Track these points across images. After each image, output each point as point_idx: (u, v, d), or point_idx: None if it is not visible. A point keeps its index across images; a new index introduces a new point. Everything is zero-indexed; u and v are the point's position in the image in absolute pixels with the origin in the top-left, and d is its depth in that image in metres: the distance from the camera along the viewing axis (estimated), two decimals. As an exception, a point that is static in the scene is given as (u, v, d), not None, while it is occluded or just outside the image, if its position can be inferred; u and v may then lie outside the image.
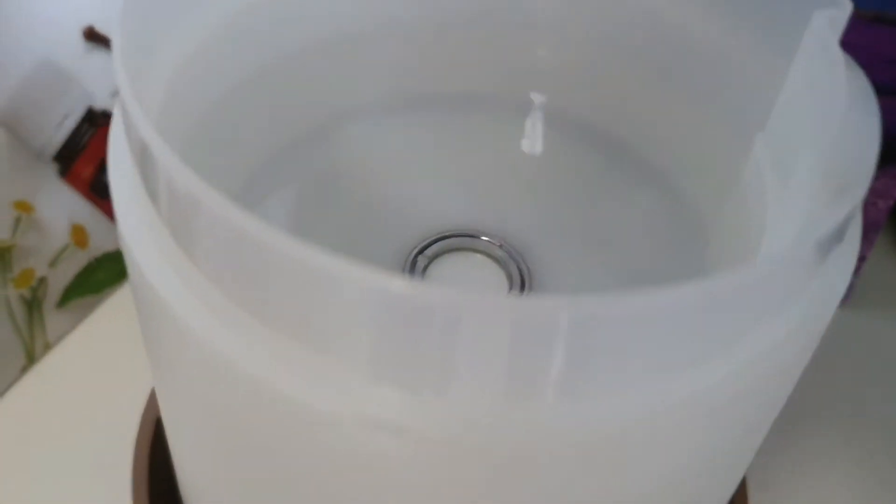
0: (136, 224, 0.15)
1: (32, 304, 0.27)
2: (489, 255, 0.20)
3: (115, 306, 0.30)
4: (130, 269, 0.15)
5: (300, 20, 0.20)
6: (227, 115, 0.19)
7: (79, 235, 0.28)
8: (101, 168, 0.28)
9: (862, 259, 0.30)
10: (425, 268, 0.19)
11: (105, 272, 0.29)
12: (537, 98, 0.21)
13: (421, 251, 0.20)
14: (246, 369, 0.13)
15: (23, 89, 0.25)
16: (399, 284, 0.11)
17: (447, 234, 0.20)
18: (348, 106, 0.21)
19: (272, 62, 0.20)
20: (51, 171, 0.27)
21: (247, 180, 0.20)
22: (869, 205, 0.29)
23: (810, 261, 0.14)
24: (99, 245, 0.29)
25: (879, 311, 0.32)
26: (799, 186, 0.16)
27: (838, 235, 0.14)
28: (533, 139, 0.21)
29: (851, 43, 0.27)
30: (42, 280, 0.27)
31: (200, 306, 0.14)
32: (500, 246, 0.20)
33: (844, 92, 0.15)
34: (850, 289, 0.31)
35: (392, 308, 0.12)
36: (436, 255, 0.20)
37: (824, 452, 0.28)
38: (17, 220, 0.26)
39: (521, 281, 0.19)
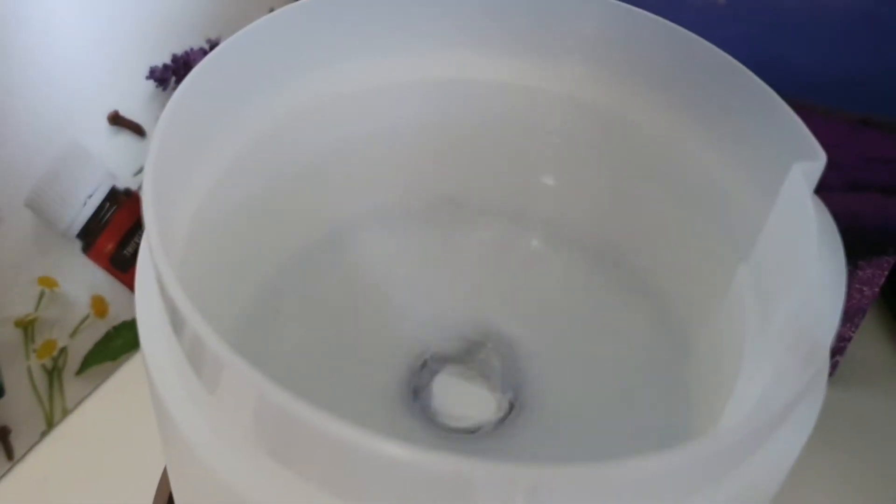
0: (162, 357, 0.16)
1: (53, 373, 0.29)
2: (487, 366, 0.21)
3: (132, 372, 0.31)
4: (155, 404, 0.17)
5: (315, 138, 0.21)
6: (232, 236, 0.20)
7: (99, 306, 0.29)
8: (122, 243, 0.29)
9: (847, 340, 0.32)
10: (428, 379, 0.21)
11: (122, 339, 0.31)
12: (535, 208, 0.23)
13: (423, 363, 0.21)
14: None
15: (49, 173, 0.26)
16: (409, 455, 0.13)
17: (449, 345, 0.21)
18: (350, 216, 0.22)
19: (275, 182, 0.21)
20: (74, 248, 0.28)
21: (254, 293, 0.21)
22: (855, 291, 0.31)
23: (766, 428, 0.15)
24: (117, 314, 0.30)
25: (863, 389, 0.33)
26: (774, 332, 0.17)
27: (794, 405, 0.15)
28: (528, 249, 0.22)
29: (841, 144, 0.28)
30: (63, 350, 0.29)
31: (224, 446, 0.15)
32: (498, 356, 0.21)
33: (814, 250, 0.17)
34: (835, 367, 0.33)
35: (407, 474, 0.13)
36: (438, 367, 0.21)
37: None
38: (41, 295, 0.27)
39: (514, 391, 0.21)
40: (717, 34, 0.27)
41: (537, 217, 0.23)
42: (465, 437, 0.20)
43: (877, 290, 0.30)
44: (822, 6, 0.26)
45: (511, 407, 0.20)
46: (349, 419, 0.13)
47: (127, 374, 0.31)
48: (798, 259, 0.17)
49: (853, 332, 0.32)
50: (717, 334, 0.20)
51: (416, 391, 0.21)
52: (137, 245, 0.30)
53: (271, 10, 0.31)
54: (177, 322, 0.15)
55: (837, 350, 0.32)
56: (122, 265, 0.30)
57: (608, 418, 0.20)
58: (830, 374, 0.33)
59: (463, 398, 0.21)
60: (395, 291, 0.22)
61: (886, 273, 0.30)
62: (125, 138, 0.28)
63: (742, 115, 0.19)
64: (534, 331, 0.22)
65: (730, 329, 0.19)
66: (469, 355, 0.21)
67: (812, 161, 0.18)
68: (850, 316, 0.31)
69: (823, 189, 0.29)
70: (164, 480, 0.26)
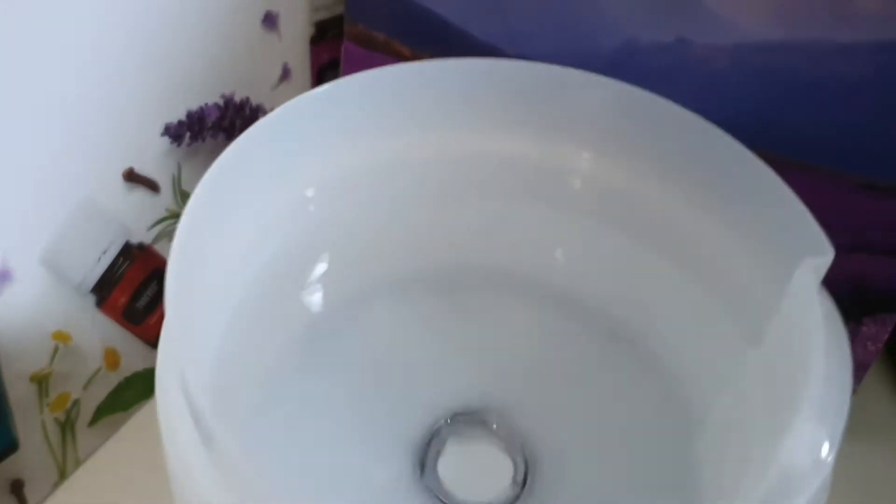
0: (183, 440, 0.17)
1: (66, 425, 0.29)
2: (497, 440, 0.22)
3: (143, 422, 0.31)
4: (171, 476, 0.17)
5: (331, 213, 0.21)
6: (251, 307, 0.21)
7: (111, 358, 0.30)
8: (134, 296, 0.30)
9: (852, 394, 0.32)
10: (439, 453, 0.21)
11: (134, 390, 0.31)
12: (548, 282, 0.23)
13: (434, 437, 0.21)
14: None
15: (65, 230, 0.27)
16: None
17: (459, 418, 0.22)
18: (364, 287, 0.23)
19: (294, 254, 0.21)
20: (88, 302, 0.28)
21: (272, 367, 0.21)
22: (859, 347, 0.31)
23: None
24: (129, 365, 0.31)
25: (866, 441, 0.33)
26: (785, 430, 0.17)
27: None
28: (541, 321, 0.23)
29: (846, 206, 0.28)
30: (76, 402, 0.29)
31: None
32: (508, 431, 0.21)
33: (822, 346, 0.17)
34: (840, 421, 0.33)
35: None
36: (449, 441, 0.21)
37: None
38: (56, 350, 0.28)
39: (525, 468, 0.21)
40: (720, 96, 0.27)
41: (550, 290, 0.23)
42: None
43: (880, 345, 0.31)
44: (825, 72, 0.26)
45: (524, 484, 0.21)
46: (352, 501, 0.13)
47: (138, 424, 0.31)
48: (805, 354, 0.17)
49: (857, 386, 0.32)
50: (725, 417, 0.20)
51: (425, 466, 0.21)
52: (150, 298, 0.30)
53: (285, 65, 0.31)
54: (203, 434, 0.15)
55: (841, 403, 0.32)
56: (134, 318, 0.30)
57: (619, 496, 0.21)
58: (834, 427, 0.33)
59: (475, 474, 0.21)
60: (407, 363, 0.23)
61: (890, 330, 0.30)
62: (140, 194, 0.28)
63: (756, 204, 0.20)
64: (545, 405, 0.22)
65: (738, 413, 0.20)
66: (480, 429, 0.22)
67: (820, 256, 0.18)
68: (854, 370, 0.31)
69: (829, 248, 0.29)
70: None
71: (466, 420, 0.22)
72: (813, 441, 0.16)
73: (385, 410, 0.22)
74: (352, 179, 0.22)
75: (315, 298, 0.22)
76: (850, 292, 0.30)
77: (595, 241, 0.23)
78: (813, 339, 0.17)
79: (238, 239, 0.20)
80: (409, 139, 0.22)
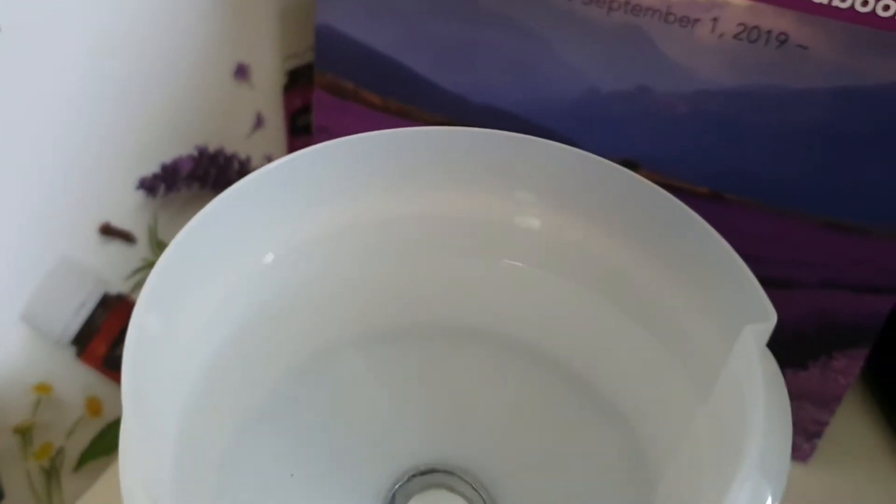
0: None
1: (51, 473, 0.30)
2: (460, 493, 0.22)
3: (126, 466, 0.32)
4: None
5: (297, 274, 0.22)
6: (225, 362, 0.21)
7: (93, 406, 0.30)
8: (114, 345, 0.30)
9: (824, 424, 0.32)
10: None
11: (116, 435, 0.31)
12: (513, 335, 0.23)
13: (398, 490, 0.22)
14: None
15: (43, 287, 0.27)
16: None
17: (422, 469, 0.22)
18: (337, 340, 0.23)
19: (267, 310, 0.22)
20: (68, 354, 0.29)
21: (247, 419, 0.22)
22: (830, 380, 0.31)
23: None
24: (111, 411, 0.31)
25: (842, 469, 0.34)
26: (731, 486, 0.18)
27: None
28: (506, 373, 0.23)
29: (811, 245, 0.29)
30: (60, 450, 0.30)
31: None
32: (470, 482, 0.22)
33: (761, 411, 0.17)
34: (812, 449, 0.33)
35: None
36: (412, 493, 0.22)
37: None
38: (38, 402, 0.28)
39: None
40: (683, 143, 0.28)
41: (514, 344, 0.24)
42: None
43: (852, 378, 0.31)
44: (783, 118, 0.26)
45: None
46: None
47: (122, 468, 0.32)
48: (747, 415, 0.18)
49: (829, 416, 0.32)
50: (680, 472, 0.21)
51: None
52: (130, 345, 0.31)
53: (258, 114, 0.32)
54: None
55: (815, 433, 0.33)
56: (114, 365, 0.31)
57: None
58: (808, 457, 0.33)
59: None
60: (371, 419, 0.23)
61: (861, 363, 0.31)
62: (116, 246, 0.29)
63: (707, 269, 0.20)
64: (509, 458, 0.23)
65: (690, 468, 0.20)
66: (445, 482, 0.22)
67: (763, 322, 0.19)
68: (826, 402, 0.32)
69: (796, 286, 0.29)
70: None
71: (430, 473, 0.22)
72: (755, 498, 0.17)
73: (351, 466, 0.22)
74: (315, 243, 0.22)
75: (276, 364, 0.23)
76: (817, 327, 0.30)
77: (556, 295, 0.23)
78: (754, 401, 0.18)
79: (195, 315, 0.20)
80: (372, 202, 0.22)
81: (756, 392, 0.18)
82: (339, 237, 0.23)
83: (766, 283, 0.29)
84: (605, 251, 0.22)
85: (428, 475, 0.22)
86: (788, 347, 0.31)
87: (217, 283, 0.21)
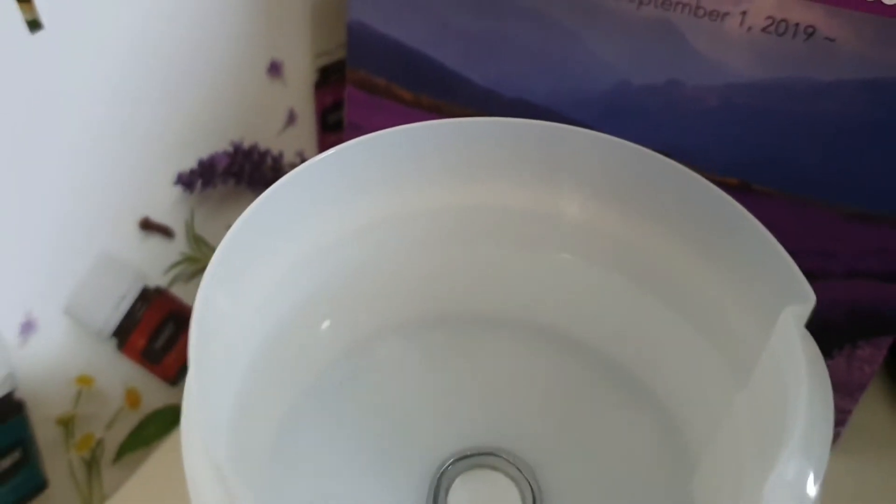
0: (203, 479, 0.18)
1: (91, 464, 0.30)
2: (504, 473, 0.23)
3: (163, 457, 0.32)
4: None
5: (343, 263, 0.23)
6: (275, 350, 0.22)
7: (132, 398, 0.31)
8: (152, 338, 0.31)
9: (847, 413, 0.33)
10: (450, 484, 0.22)
11: (154, 427, 0.32)
12: (551, 323, 0.24)
13: (445, 470, 0.22)
14: None
15: (85, 281, 0.28)
16: None
17: (467, 452, 0.23)
18: (382, 328, 0.24)
19: (314, 298, 0.23)
20: (109, 346, 0.29)
21: (287, 413, 0.22)
22: (855, 369, 0.32)
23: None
24: (149, 403, 0.32)
25: (865, 457, 0.34)
26: (772, 469, 0.18)
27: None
28: (543, 361, 0.24)
29: (838, 236, 0.29)
30: (100, 441, 0.30)
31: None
32: (514, 463, 0.23)
33: (804, 392, 0.18)
34: (837, 436, 0.34)
35: None
36: (457, 474, 0.22)
37: None
38: (79, 394, 0.29)
39: (533, 499, 0.22)
40: (713, 134, 0.28)
41: (552, 332, 0.24)
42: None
43: (876, 367, 0.32)
44: (811, 109, 0.27)
45: None
46: None
47: (160, 458, 0.32)
48: (789, 396, 0.18)
49: (854, 405, 0.33)
50: (719, 455, 0.21)
51: (437, 498, 0.22)
52: (167, 338, 0.31)
53: (291, 111, 0.33)
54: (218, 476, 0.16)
55: (839, 421, 0.33)
56: (153, 358, 0.31)
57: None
58: (833, 443, 0.34)
59: (488, 491, 0.22)
60: (415, 403, 0.24)
61: (885, 351, 0.31)
62: (155, 241, 0.30)
63: (744, 254, 0.21)
64: (550, 440, 0.23)
65: (730, 452, 0.21)
66: (488, 464, 0.23)
67: (802, 304, 0.19)
68: (851, 391, 0.32)
69: (824, 277, 0.30)
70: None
71: (475, 455, 0.23)
72: (798, 478, 0.17)
73: (396, 449, 0.23)
74: (361, 231, 0.23)
75: (326, 347, 0.23)
76: (844, 316, 0.31)
77: (595, 285, 0.24)
78: (796, 382, 0.18)
79: (254, 294, 0.21)
80: (414, 193, 0.23)
81: (799, 373, 0.19)
82: (383, 226, 0.23)
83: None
84: (641, 238, 0.23)
85: (472, 457, 0.23)
86: (815, 337, 0.32)
87: (273, 266, 0.21)
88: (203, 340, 0.18)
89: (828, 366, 0.32)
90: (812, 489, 0.17)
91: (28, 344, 0.27)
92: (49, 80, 0.24)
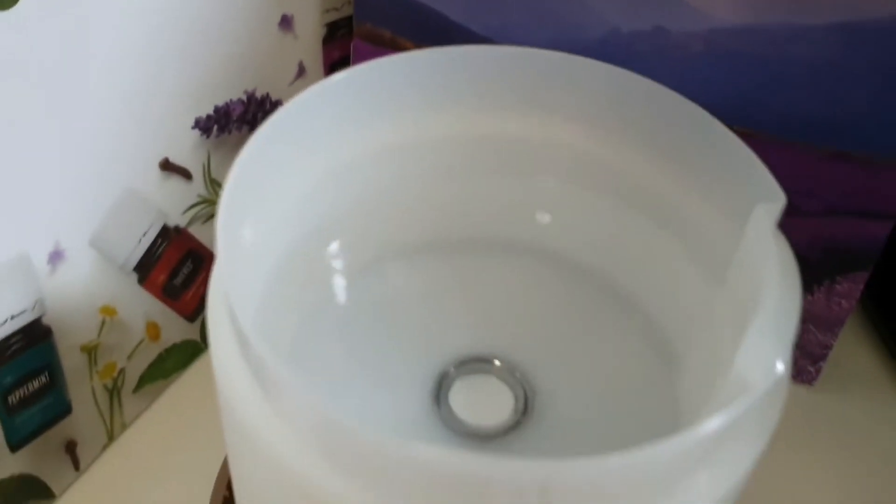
0: (230, 363, 0.19)
1: (113, 392, 0.32)
2: (500, 378, 0.25)
3: (182, 389, 0.34)
4: (223, 404, 0.20)
5: (351, 189, 0.24)
6: (288, 266, 0.24)
7: (153, 331, 0.33)
8: (172, 274, 0.33)
9: (828, 347, 0.35)
10: (450, 387, 0.24)
11: (173, 360, 0.34)
12: (540, 242, 0.26)
13: (446, 374, 0.24)
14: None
15: (110, 215, 0.30)
16: (433, 455, 0.16)
17: (467, 358, 0.25)
18: (387, 250, 0.26)
19: (324, 223, 0.24)
20: (131, 280, 0.31)
21: (310, 314, 0.24)
22: (834, 304, 0.34)
23: (720, 436, 0.18)
24: (169, 337, 0.34)
25: (845, 393, 0.36)
26: (741, 351, 0.20)
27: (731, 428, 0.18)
28: (536, 277, 0.26)
29: (818, 176, 0.31)
30: (121, 371, 0.32)
31: (283, 441, 0.18)
32: (509, 369, 0.24)
33: (776, 279, 0.20)
34: (818, 372, 0.36)
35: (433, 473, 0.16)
36: (459, 377, 0.24)
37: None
38: (103, 323, 0.31)
39: (525, 399, 0.24)
40: (697, 78, 0.30)
41: (542, 250, 0.26)
42: (485, 440, 0.24)
43: (854, 301, 0.33)
44: (791, 53, 0.29)
45: (524, 412, 0.24)
46: (383, 427, 0.16)
47: (178, 390, 0.34)
48: (761, 287, 0.20)
49: (833, 340, 0.35)
50: (700, 353, 0.23)
51: (440, 401, 0.24)
52: (185, 276, 0.33)
53: (300, 63, 0.34)
54: (245, 349, 0.18)
55: (819, 357, 0.35)
56: (172, 294, 0.33)
57: (608, 418, 0.24)
58: (814, 380, 0.36)
59: (482, 406, 0.24)
60: (421, 315, 0.26)
61: (862, 286, 0.33)
62: (174, 181, 0.32)
63: (716, 160, 0.23)
64: (541, 348, 0.25)
65: (711, 348, 0.23)
66: (484, 369, 0.25)
67: (773, 202, 0.21)
68: (830, 326, 0.34)
69: (802, 214, 0.32)
70: (219, 484, 0.30)
71: (472, 362, 0.25)
72: (766, 353, 0.19)
73: (402, 358, 0.25)
74: (367, 158, 0.25)
75: (338, 264, 0.25)
76: (822, 253, 0.33)
77: (579, 205, 0.25)
78: (766, 271, 0.20)
79: (274, 206, 0.23)
80: (417, 122, 0.25)
81: (769, 262, 0.20)
82: (388, 155, 0.25)
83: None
84: (625, 158, 0.25)
85: (470, 363, 0.25)
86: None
87: (285, 191, 0.23)
88: (230, 231, 0.20)
89: (807, 301, 0.34)
90: (780, 365, 0.19)
91: (56, 272, 0.28)
92: (81, 32, 0.26)
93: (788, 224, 0.32)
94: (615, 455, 0.16)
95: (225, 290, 0.18)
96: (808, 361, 0.35)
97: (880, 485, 0.33)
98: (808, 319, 0.34)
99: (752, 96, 0.30)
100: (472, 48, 0.24)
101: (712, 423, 0.17)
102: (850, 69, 0.29)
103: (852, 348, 0.37)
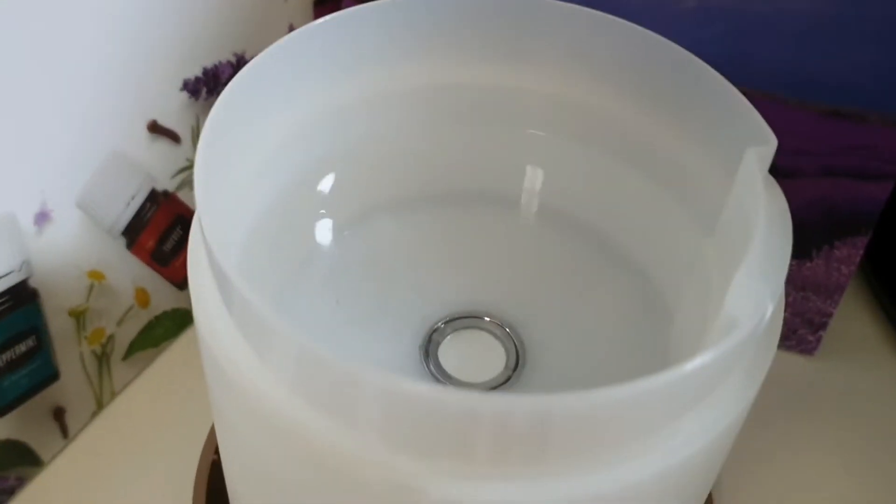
0: (211, 312, 0.19)
1: (102, 359, 0.32)
2: (491, 333, 0.24)
3: (172, 357, 0.34)
4: (203, 350, 0.20)
5: (335, 139, 0.24)
6: (271, 220, 0.23)
7: (142, 297, 0.32)
8: (161, 239, 0.32)
9: (828, 316, 0.34)
10: (440, 343, 0.24)
11: (163, 328, 0.34)
12: (527, 195, 0.25)
13: (435, 329, 0.24)
14: (298, 435, 0.17)
15: (96, 178, 0.29)
16: (409, 387, 0.16)
17: (457, 314, 0.24)
18: (374, 203, 0.25)
19: (305, 175, 0.24)
20: (119, 245, 0.31)
21: (295, 268, 0.24)
22: (833, 270, 0.33)
23: (711, 375, 0.18)
24: (158, 305, 0.33)
25: (846, 362, 0.35)
26: (728, 298, 0.20)
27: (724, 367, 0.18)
28: (524, 230, 0.25)
29: (812, 133, 0.31)
30: (110, 337, 0.32)
31: (266, 386, 0.18)
32: (500, 325, 0.24)
33: (763, 222, 0.19)
34: (818, 341, 0.35)
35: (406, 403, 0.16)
36: (448, 333, 0.24)
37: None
38: (91, 287, 0.30)
39: (517, 354, 0.23)
40: (691, 34, 0.30)
41: (530, 202, 0.26)
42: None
43: (853, 268, 0.33)
44: (786, 9, 0.28)
45: (516, 367, 0.23)
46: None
47: (168, 359, 0.34)
48: (751, 231, 0.20)
49: (833, 307, 0.34)
50: (690, 303, 0.23)
51: (429, 354, 0.24)
52: (175, 241, 0.33)
53: (290, 26, 0.34)
54: (226, 291, 0.18)
55: (820, 325, 0.35)
56: (161, 259, 0.33)
57: (598, 372, 0.23)
58: (814, 349, 0.35)
59: (473, 361, 0.24)
60: (409, 269, 0.25)
61: (861, 252, 0.33)
62: (163, 145, 0.31)
63: (704, 106, 0.22)
64: (532, 302, 0.25)
65: (701, 298, 0.22)
66: (475, 323, 0.24)
67: (764, 145, 0.21)
68: (830, 292, 0.34)
69: (798, 175, 0.31)
70: (207, 449, 0.29)
71: (463, 318, 0.24)
72: (755, 292, 0.19)
73: (391, 311, 0.24)
74: (347, 109, 0.24)
75: (323, 217, 0.25)
76: (819, 215, 0.32)
77: (566, 157, 0.25)
78: (756, 214, 0.20)
79: (254, 153, 0.22)
80: (396, 72, 0.24)
81: (759, 204, 0.20)
82: (367, 105, 0.25)
83: (770, 171, 0.31)
84: (615, 108, 0.24)
85: (460, 319, 0.24)
86: (793, 237, 0.33)
87: (266, 138, 0.23)
88: (210, 174, 0.19)
89: (806, 268, 0.33)
90: (770, 304, 0.18)
91: (43, 234, 0.28)
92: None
93: (783, 185, 0.32)
94: (603, 389, 0.16)
95: (203, 232, 0.18)
96: (808, 330, 0.35)
97: (882, 454, 0.33)
98: (808, 287, 0.34)
99: (746, 53, 0.30)
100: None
101: (702, 359, 0.17)
102: (842, 24, 0.28)
103: (853, 317, 0.36)
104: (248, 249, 0.22)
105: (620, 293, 0.24)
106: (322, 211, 0.25)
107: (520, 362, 0.24)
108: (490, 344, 0.24)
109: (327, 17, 0.23)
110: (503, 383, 0.23)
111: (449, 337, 0.24)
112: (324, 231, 0.25)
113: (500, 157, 0.26)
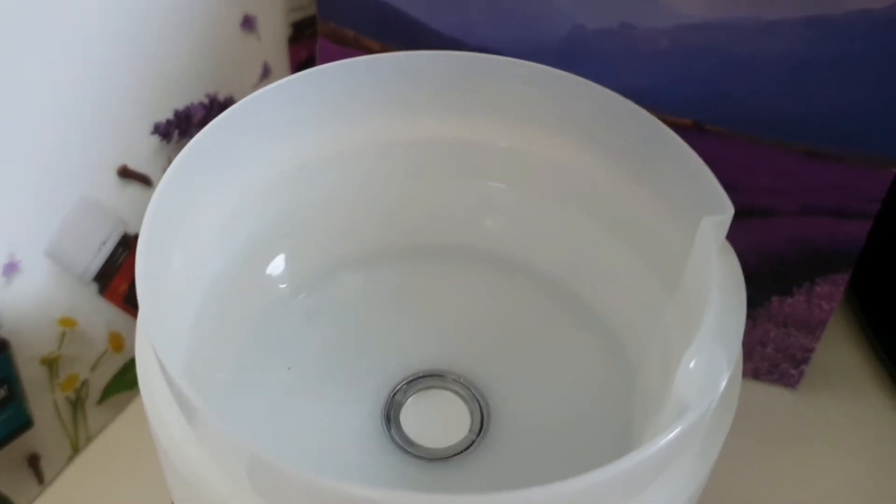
0: (162, 408, 0.19)
1: (76, 404, 0.32)
2: (454, 392, 0.24)
3: (148, 399, 0.34)
4: (159, 450, 0.19)
5: (293, 199, 0.24)
6: (229, 282, 0.23)
7: (116, 341, 0.32)
8: (134, 283, 0.32)
9: (810, 351, 0.34)
10: (402, 404, 0.23)
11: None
12: (493, 249, 0.25)
13: (397, 390, 0.24)
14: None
15: (66, 225, 0.29)
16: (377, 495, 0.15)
17: (420, 372, 0.24)
18: (332, 261, 0.25)
19: (265, 233, 0.24)
20: (91, 290, 0.31)
21: (244, 342, 0.23)
22: (814, 306, 0.33)
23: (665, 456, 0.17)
24: (133, 347, 0.33)
25: (828, 395, 0.35)
26: (681, 369, 0.19)
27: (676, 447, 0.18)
28: (488, 285, 0.25)
29: (790, 173, 0.30)
30: (85, 382, 0.32)
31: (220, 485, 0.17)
32: (464, 384, 0.24)
33: (716, 298, 0.19)
34: (800, 375, 0.35)
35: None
36: (411, 394, 0.24)
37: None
38: (63, 335, 0.30)
39: (481, 416, 0.23)
40: (665, 76, 0.29)
41: (495, 257, 0.25)
42: (439, 462, 0.23)
43: (834, 304, 0.33)
44: (758, 49, 0.28)
45: (480, 431, 0.23)
46: (326, 455, 0.16)
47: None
48: (706, 302, 0.19)
49: (815, 342, 0.34)
50: (653, 361, 0.22)
51: (390, 420, 0.23)
52: (149, 284, 0.33)
53: (264, 64, 0.34)
54: (173, 390, 0.18)
55: (802, 360, 0.34)
56: (135, 303, 0.32)
57: (563, 440, 0.23)
58: (797, 383, 0.35)
59: (436, 426, 0.23)
60: (371, 328, 0.25)
61: (843, 289, 0.32)
62: (134, 189, 0.31)
63: (666, 168, 0.22)
64: (498, 361, 0.24)
65: (663, 356, 0.22)
66: (438, 385, 0.24)
67: (720, 214, 0.20)
68: (812, 328, 0.33)
69: (778, 213, 0.31)
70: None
71: (425, 377, 0.24)
72: (705, 374, 0.18)
73: (351, 375, 0.24)
74: (311, 167, 0.24)
75: (283, 276, 0.25)
76: (799, 254, 0.32)
77: (536, 212, 0.25)
78: (709, 286, 0.19)
79: (206, 226, 0.22)
80: (361, 127, 0.24)
81: (711, 278, 0.20)
82: (331, 162, 0.24)
83: (748, 211, 0.31)
84: (578, 165, 0.24)
85: (423, 378, 0.24)
86: (773, 275, 0.33)
87: (222, 202, 0.23)
88: (151, 271, 0.19)
89: (788, 304, 0.33)
90: (723, 377, 0.18)
91: (11, 284, 0.28)
92: (32, 34, 0.25)
93: (765, 223, 0.32)
94: (555, 485, 0.16)
95: (150, 336, 0.18)
96: (790, 365, 0.35)
97: (865, 486, 0.32)
98: (790, 322, 0.33)
99: (722, 93, 0.29)
100: (415, 54, 0.23)
101: (651, 449, 0.17)
102: (817, 64, 0.28)
103: (837, 348, 0.36)
104: (203, 319, 0.22)
105: (584, 349, 0.24)
106: (280, 271, 0.25)
107: (484, 425, 0.23)
108: (454, 404, 0.24)
109: (277, 84, 0.23)
110: (466, 448, 0.23)
111: (411, 398, 0.24)
112: (282, 292, 0.25)
113: (461, 210, 0.25)
